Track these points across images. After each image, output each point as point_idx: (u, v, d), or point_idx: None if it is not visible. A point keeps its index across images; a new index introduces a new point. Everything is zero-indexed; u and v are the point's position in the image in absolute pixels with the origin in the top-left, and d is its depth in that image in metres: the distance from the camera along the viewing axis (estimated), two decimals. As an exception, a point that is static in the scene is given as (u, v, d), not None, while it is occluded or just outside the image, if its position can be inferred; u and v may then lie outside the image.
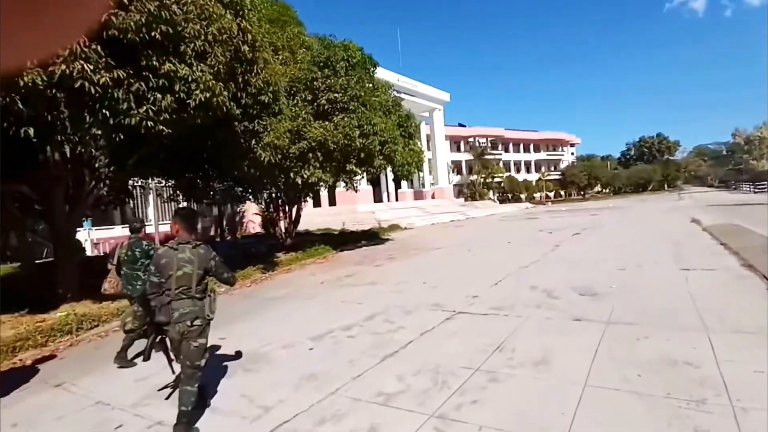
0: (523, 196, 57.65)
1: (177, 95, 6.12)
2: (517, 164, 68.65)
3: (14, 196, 7.49)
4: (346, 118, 12.07)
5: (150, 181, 22.14)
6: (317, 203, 33.69)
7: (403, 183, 43.02)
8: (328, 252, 14.31)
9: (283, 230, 15.69)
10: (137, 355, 4.95)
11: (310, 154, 11.61)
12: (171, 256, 3.35)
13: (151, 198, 27.67)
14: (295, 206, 15.92)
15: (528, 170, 69.44)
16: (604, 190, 65.53)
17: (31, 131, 5.12)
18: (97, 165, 7.82)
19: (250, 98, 7.89)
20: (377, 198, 38.37)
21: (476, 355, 4.35)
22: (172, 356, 3.67)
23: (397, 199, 41.31)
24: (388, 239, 19.36)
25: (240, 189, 16.31)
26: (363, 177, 15.08)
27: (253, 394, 3.89)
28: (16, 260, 11.69)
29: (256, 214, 24.31)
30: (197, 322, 3.33)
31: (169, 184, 16.94)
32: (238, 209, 28.03)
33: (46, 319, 6.91)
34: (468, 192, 52.58)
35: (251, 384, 4.15)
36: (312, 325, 5.96)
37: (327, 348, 5.03)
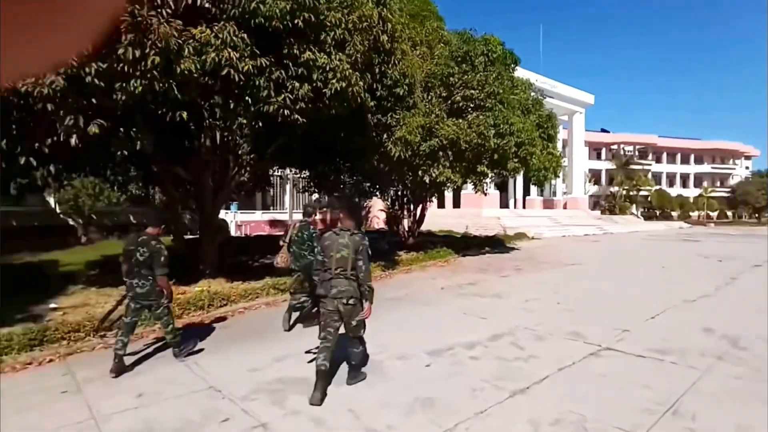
0: (674, 213, 50.13)
1: (314, 84, 6.07)
2: (671, 177, 59.75)
3: (171, 177, 8.28)
4: (481, 116, 11.29)
5: (287, 171, 23.88)
6: (441, 204, 33.25)
7: (533, 189, 40.33)
8: (450, 255, 13.69)
9: (406, 229, 15.49)
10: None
11: (441, 153, 11.10)
12: (333, 240, 3.83)
13: (288, 187, 30.05)
14: (420, 205, 15.60)
15: (684, 185, 60.05)
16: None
17: (185, 115, 5.42)
18: (240, 152, 8.28)
19: (385, 90, 7.65)
20: (503, 203, 36.55)
21: (639, 415, 3.37)
22: (321, 326, 3.99)
23: (524, 206, 38.91)
24: (513, 248, 18.03)
25: (368, 184, 16.57)
26: (492, 180, 14.10)
27: (361, 410, 3.47)
28: (170, 234, 13.28)
29: (381, 210, 24.74)
30: (351, 301, 3.76)
31: (304, 175, 17.96)
32: (365, 204, 28.88)
33: (186, 292, 7.49)
34: (606, 205, 47.35)
35: (360, 397, 3.75)
36: (430, 336, 5.42)
37: (445, 367, 4.44)
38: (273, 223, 28.87)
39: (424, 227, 20.29)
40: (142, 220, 20.41)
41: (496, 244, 18.47)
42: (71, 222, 18.78)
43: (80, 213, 17.75)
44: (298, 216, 29.50)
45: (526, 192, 40.04)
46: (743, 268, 11.74)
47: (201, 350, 4.90)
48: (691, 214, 51.62)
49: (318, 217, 5.80)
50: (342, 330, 3.91)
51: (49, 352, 4.77)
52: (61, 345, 4.95)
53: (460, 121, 11.24)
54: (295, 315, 5.89)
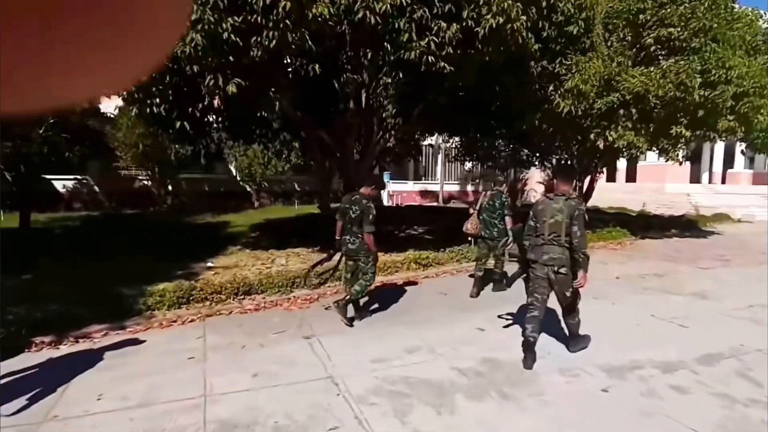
0: None
1: (464, 23, 4.99)
2: None
3: (318, 142, 8.13)
4: (681, 62, 8.70)
5: (438, 139, 23.14)
6: (611, 177, 28.85)
7: (738, 160, 32.39)
8: (624, 237, 11.38)
9: (569, 203, 13.46)
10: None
11: (621, 111, 8.95)
12: (547, 205, 3.73)
13: (439, 157, 29.42)
14: (588, 177, 13.32)
15: None
16: None
17: (317, 68, 4.91)
18: (384, 115, 7.70)
19: (553, 28, 6.15)
20: (693, 178, 30.12)
21: None
22: (528, 292, 3.90)
23: (723, 182, 31.52)
24: (712, 232, 14.40)
25: (525, 152, 14.80)
26: (688, 146, 11.11)
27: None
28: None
29: (539, 182, 22.44)
30: (563, 270, 3.62)
31: (455, 145, 16.92)
32: (521, 176, 26.71)
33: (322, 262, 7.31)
34: None
35: (508, 424, 2.79)
36: (605, 344, 4.10)
37: (630, 395, 3.17)
38: (424, 194, 28.68)
39: (590, 203, 17.67)
40: (305, 187, 22.08)
41: (687, 226, 14.98)
42: (248, 188, 21.19)
43: (253, 180, 19.83)
44: (449, 187, 28.48)
45: (728, 164, 32.40)
46: None
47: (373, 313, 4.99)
48: None
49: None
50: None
51: (193, 312, 4.87)
52: (204, 305, 5.05)
53: (651, 69, 8.86)
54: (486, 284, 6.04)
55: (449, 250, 8.16)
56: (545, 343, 4.12)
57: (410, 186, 29.87)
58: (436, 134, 20.94)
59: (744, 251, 10.28)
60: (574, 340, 3.96)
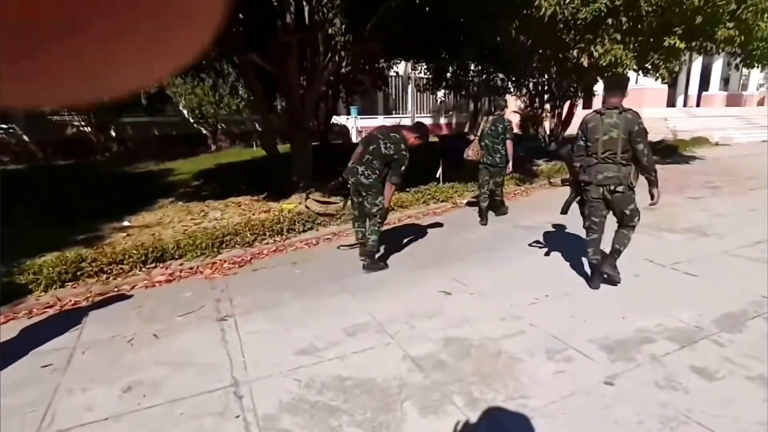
0: None
1: None
2: None
3: (253, 68, 6.70)
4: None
5: (405, 67, 21.45)
6: (588, 104, 27.75)
7: (714, 82, 31.65)
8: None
9: (548, 132, 12.45)
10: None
11: (610, 20, 7.73)
12: (598, 121, 3.40)
13: (409, 88, 27.66)
14: (567, 102, 12.23)
15: None
16: None
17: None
18: (330, 31, 6.29)
19: None
20: (670, 101, 29.35)
21: None
22: (585, 215, 3.68)
23: (698, 104, 30.92)
24: (693, 157, 13.79)
25: (500, 76, 13.46)
26: (681, 62, 10.01)
27: None
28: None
29: (515, 112, 21.30)
30: (620, 188, 3.37)
31: (424, 73, 15.41)
32: (496, 105, 25.35)
33: (270, 210, 6.22)
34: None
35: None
36: (600, 307, 3.26)
37: (643, 390, 2.31)
38: (396, 129, 27.22)
39: (569, 131, 16.77)
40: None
41: (668, 152, 14.31)
42: (203, 131, 19.38)
43: (207, 122, 18.03)
44: (422, 120, 27.16)
45: (704, 86, 31.67)
46: None
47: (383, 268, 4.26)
48: None
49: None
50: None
51: (82, 290, 3.78)
52: (98, 280, 3.95)
53: (645, -31, 7.55)
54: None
55: (414, 190, 7.16)
56: (522, 309, 3.24)
57: (380, 121, 28.24)
58: (402, 62, 19.25)
59: (730, 177, 9.61)
60: (612, 262, 3.63)
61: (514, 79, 12.69)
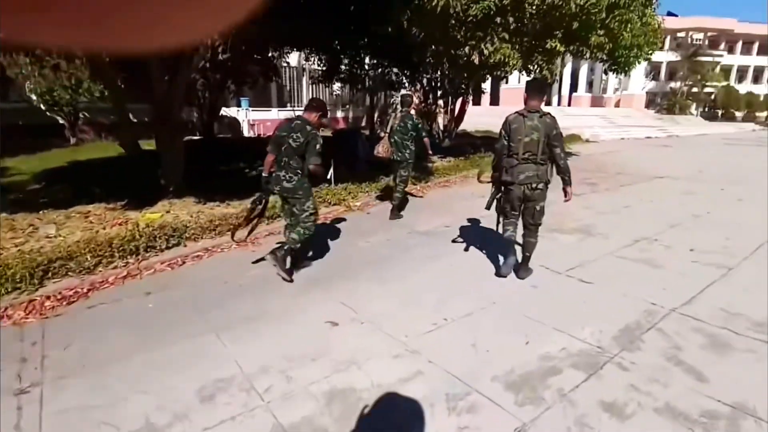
0: (739, 114, 44.38)
1: None
2: (742, 71, 51.88)
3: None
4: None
5: (299, 58, 20.55)
6: (477, 101, 29.26)
7: (581, 84, 35.42)
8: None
9: (441, 128, 12.51)
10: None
11: (498, 19, 7.75)
12: (521, 123, 3.53)
13: (304, 80, 26.64)
14: (460, 99, 12.42)
15: (757, 80, 52.34)
16: None
17: None
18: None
19: None
20: (547, 101, 32.16)
21: None
22: (504, 212, 3.85)
23: (569, 104, 34.35)
24: (570, 153, 14.88)
25: (395, 71, 13.24)
26: (562, 63, 10.61)
27: None
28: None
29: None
30: (540, 186, 3.59)
31: (318, 65, 14.70)
32: (392, 101, 25.50)
33: (126, 221, 5.13)
34: (665, 103, 41.82)
35: None
36: (497, 327, 2.96)
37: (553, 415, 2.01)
38: (294, 118, 26.01)
39: (461, 128, 17.28)
40: (144, 118, 18.12)
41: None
42: (60, 120, 16.51)
43: (61, 109, 15.34)
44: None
45: (573, 88, 35.27)
46: None
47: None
48: (758, 114, 45.63)
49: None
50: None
51: None
52: None
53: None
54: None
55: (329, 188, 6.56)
56: (405, 323, 2.81)
57: (274, 114, 26.86)
58: (295, 53, 18.27)
59: (603, 173, 10.45)
60: (525, 264, 3.87)
61: (408, 74, 12.56)
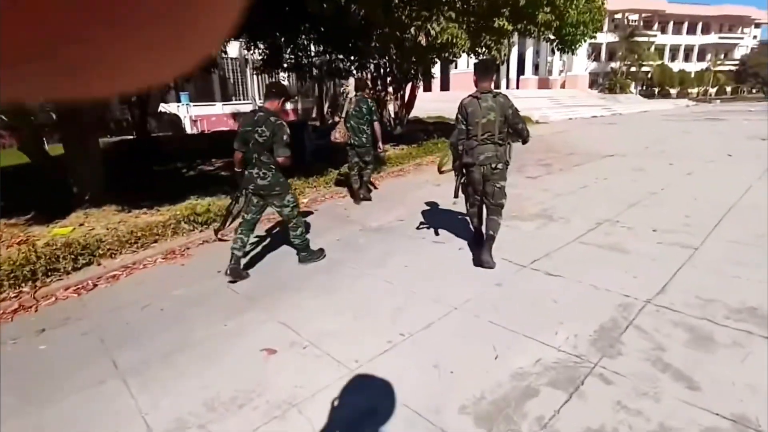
0: (673, 91, 46.75)
1: None
2: (674, 50, 54.51)
3: None
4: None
5: (239, 48, 19.52)
6: (428, 87, 29.06)
7: (527, 67, 36.04)
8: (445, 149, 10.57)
9: (392, 115, 12.08)
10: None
11: (443, -3, 7.36)
12: (476, 105, 3.54)
13: (248, 72, 25.41)
14: (410, 85, 12.02)
15: (687, 58, 55.23)
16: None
17: None
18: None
19: None
20: (496, 84, 32.45)
21: None
22: (469, 194, 3.88)
23: (518, 87, 34.88)
24: (522, 136, 14.87)
25: (340, 57, 12.61)
26: (510, 43, 10.39)
27: None
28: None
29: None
30: (499, 166, 3.63)
31: (261, 55, 13.85)
32: (342, 89, 24.81)
33: (29, 239, 4.38)
34: (607, 83, 43.33)
35: None
36: (458, 343, 2.57)
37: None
38: (238, 117, 24.77)
39: (412, 114, 16.94)
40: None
41: (501, 131, 15.26)
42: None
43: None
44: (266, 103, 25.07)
45: (520, 71, 35.86)
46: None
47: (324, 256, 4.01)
48: (690, 90, 48.29)
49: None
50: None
51: None
52: None
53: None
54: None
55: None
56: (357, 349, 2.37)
57: (219, 108, 25.55)
58: (235, 42, 17.24)
59: (555, 153, 10.37)
60: (490, 243, 3.75)
61: (355, 60, 11.99)
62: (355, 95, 5.97)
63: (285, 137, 3.51)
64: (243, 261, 3.76)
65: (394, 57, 10.80)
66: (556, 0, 8.36)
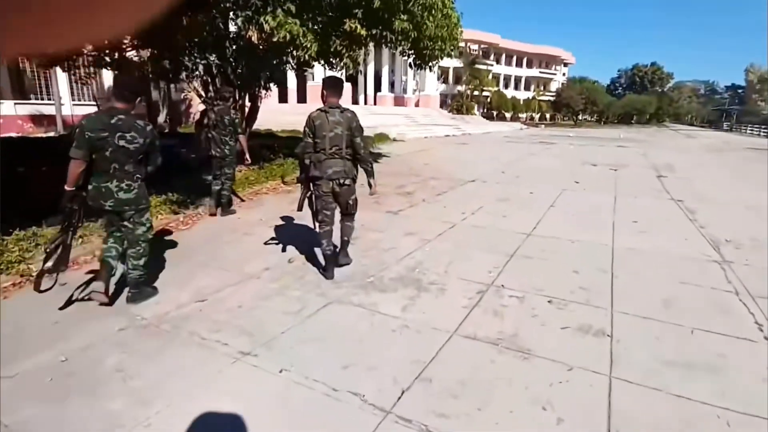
0: (508, 115, 52.57)
1: None
2: (507, 79, 61.72)
3: None
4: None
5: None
6: (283, 98, 27.12)
7: (384, 85, 36.55)
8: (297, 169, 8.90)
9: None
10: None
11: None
12: (324, 119, 3.56)
13: (59, 69, 20.35)
14: (249, 94, 10.02)
15: (516, 87, 62.93)
16: (590, 118, 60.47)
17: None
18: None
19: None
20: (354, 99, 32.00)
21: None
22: (317, 209, 3.76)
23: (375, 103, 35.04)
24: (380, 153, 13.97)
25: (166, 62, 9.99)
26: (366, 51, 9.17)
27: None
28: None
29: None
30: (347, 181, 3.64)
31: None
32: (183, 96, 21.41)
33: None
34: (454, 104, 46.56)
35: None
36: None
37: None
38: (38, 120, 19.46)
39: (264, 125, 14.92)
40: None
41: (358, 150, 14.13)
42: None
43: None
44: (83, 110, 19.96)
45: (377, 87, 36.15)
46: (648, 175, 9.62)
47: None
48: (520, 115, 54.78)
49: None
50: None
51: None
52: None
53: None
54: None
55: (15, 235, 3.54)
56: None
57: (9, 108, 19.93)
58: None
59: (417, 177, 9.44)
60: (345, 251, 3.96)
61: (184, 60, 9.55)
62: (218, 106, 5.66)
63: (158, 143, 3.25)
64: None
65: (230, 58, 8.76)
66: (413, 6, 7.35)
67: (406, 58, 9.89)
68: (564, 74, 71.71)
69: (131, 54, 10.37)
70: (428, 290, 3.54)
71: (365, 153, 3.65)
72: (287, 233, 5.08)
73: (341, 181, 3.57)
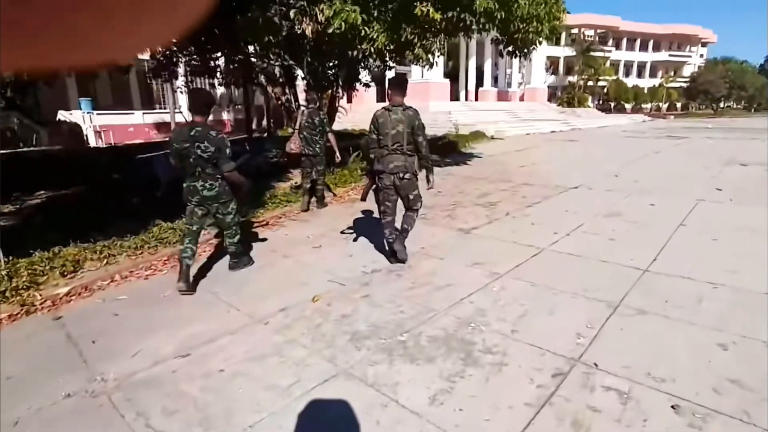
0: (628, 106, 46.82)
1: None
2: (628, 66, 54.99)
3: None
4: None
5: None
6: (381, 98, 26.80)
7: (486, 79, 34.52)
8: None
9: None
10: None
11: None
12: (386, 117, 3.81)
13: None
14: (329, 93, 9.54)
15: (640, 74, 55.78)
16: (736, 105, 51.22)
17: None
18: None
19: None
20: (453, 96, 30.63)
21: None
22: (380, 200, 4.01)
23: (476, 99, 33.27)
24: (472, 154, 12.72)
25: (258, 63, 9.90)
26: (441, 42, 8.08)
27: None
28: None
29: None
30: (407, 175, 3.86)
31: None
32: (286, 98, 22.06)
33: None
34: (565, 97, 42.59)
35: None
36: None
37: None
38: (161, 127, 21.54)
39: (357, 126, 14.62)
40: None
41: (448, 149, 13.03)
42: None
43: None
44: (182, 117, 21.51)
45: (479, 82, 34.29)
46: None
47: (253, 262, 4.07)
48: (643, 106, 48.58)
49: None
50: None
51: None
52: None
53: None
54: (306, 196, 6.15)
55: (38, 255, 3.42)
56: None
57: (138, 117, 22.30)
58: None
59: (507, 183, 8.12)
60: (402, 240, 3.99)
61: (256, 63, 9.40)
62: (308, 108, 6.08)
63: (228, 150, 3.56)
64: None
65: (306, 57, 8.31)
66: (502, -18, 6.11)
67: (501, 47, 8.59)
68: (702, 56, 61.97)
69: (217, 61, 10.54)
70: (479, 364, 2.45)
71: (426, 151, 3.87)
72: (331, 255, 4.31)
73: (401, 175, 3.82)
